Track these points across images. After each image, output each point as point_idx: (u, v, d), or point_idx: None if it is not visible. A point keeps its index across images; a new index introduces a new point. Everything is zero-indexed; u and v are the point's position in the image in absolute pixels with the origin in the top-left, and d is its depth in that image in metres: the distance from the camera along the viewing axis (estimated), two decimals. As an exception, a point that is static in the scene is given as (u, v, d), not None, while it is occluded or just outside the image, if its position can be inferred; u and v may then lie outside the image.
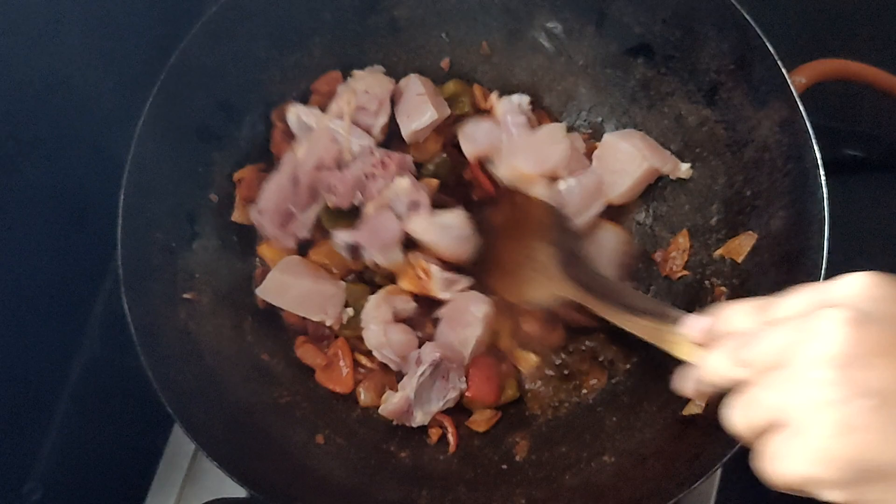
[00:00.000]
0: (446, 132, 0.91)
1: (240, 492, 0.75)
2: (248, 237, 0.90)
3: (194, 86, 0.83)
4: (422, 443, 0.85)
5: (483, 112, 0.92)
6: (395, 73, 0.92)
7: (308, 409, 0.85)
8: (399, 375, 0.86)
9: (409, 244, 0.86)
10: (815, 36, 1.00)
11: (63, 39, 0.85)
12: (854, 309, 0.44)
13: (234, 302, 0.87)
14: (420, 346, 0.84)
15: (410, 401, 0.82)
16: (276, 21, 0.86)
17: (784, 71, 0.73)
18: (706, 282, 0.84)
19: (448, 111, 0.90)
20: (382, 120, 0.89)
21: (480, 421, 0.85)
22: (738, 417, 0.48)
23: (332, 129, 0.87)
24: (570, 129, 0.92)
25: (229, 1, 0.81)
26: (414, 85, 0.89)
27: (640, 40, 0.86)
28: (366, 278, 0.88)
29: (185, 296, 0.84)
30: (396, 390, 0.84)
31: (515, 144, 0.88)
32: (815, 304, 0.46)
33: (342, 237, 0.85)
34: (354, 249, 0.85)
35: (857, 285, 0.45)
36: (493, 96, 0.91)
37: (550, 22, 0.90)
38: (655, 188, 0.89)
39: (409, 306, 0.86)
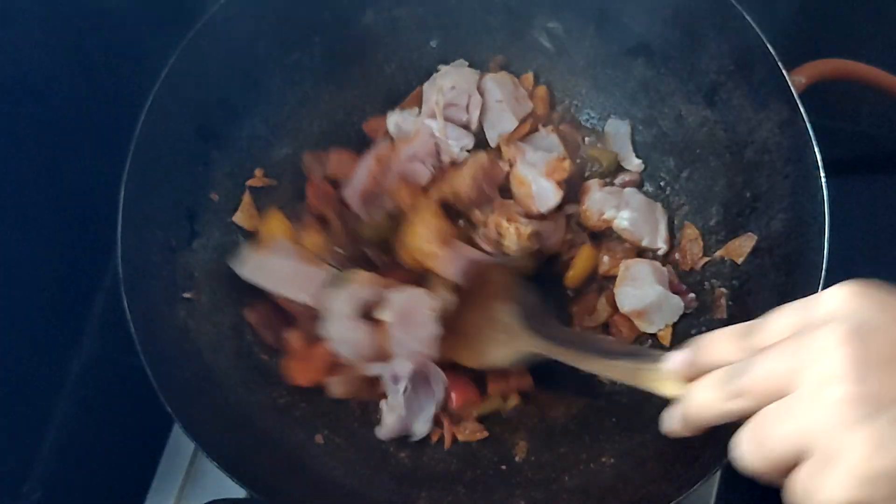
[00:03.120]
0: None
1: (240, 492, 0.75)
2: (248, 236, 0.90)
3: (194, 85, 0.83)
4: (421, 443, 0.85)
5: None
6: (393, 73, 0.92)
7: (307, 409, 0.85)
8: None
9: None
10: (815, 36, 0.99)
11: (63, 38, 0.85)
12: (847, 321, 0.42)
13: (233, 301, 0.87)
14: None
15: (404, 417, 0.82)
16: (276, 21, 0.86)
17: (784, 71, 0.73)
18: (706, 283, 0.84)
19: (530, 106, 0.91)
20: (476, 113, 0.89)
21: (467, 432, 0.85)
22: (754, 455, 0.45)
23: (430, 128, 0.88)
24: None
25: (229, 1, 0.81)
26: (492, 90, 0.90)
27: (640, 40, 0.86)
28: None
29: (185, 295, 0.83)
30: (380, 397, 0.84)
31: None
32: (802, 324, 0.45)
33: None
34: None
35: (842, 297, 0.44)
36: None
37: (551, 22, 0.90)
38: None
39: (376, 293, 0.83)
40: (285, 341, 0.86)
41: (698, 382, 0.50)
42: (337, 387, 0.85)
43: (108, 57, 0.89)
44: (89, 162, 0.87)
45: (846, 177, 0.94)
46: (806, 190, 0.72)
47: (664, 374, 0.55)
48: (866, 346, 0.42)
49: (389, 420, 0.82)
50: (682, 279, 0.86)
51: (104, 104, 0.88)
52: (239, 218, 0.88)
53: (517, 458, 0.83)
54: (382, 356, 0.84)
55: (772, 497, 0.90)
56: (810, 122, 0.72)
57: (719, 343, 0.50)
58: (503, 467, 0.83)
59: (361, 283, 0.84)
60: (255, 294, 0.87)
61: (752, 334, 0.48)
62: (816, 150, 0.71)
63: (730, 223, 0.82)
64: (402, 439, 0.85)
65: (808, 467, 0.43)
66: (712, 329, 0.81)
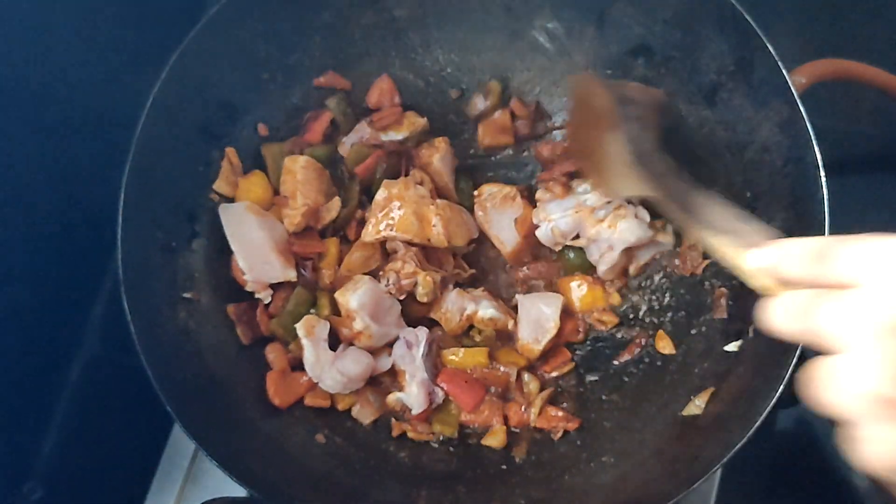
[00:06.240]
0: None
1: (240, 492, 0.75)
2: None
3: (194, 86, 0.83)
4: (421, 443, 0.85)
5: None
6: (394, 73, 0.93)
7: (307, 409, 0.85)
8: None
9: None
10: (815, 36, 0.99)
11: (63, 39, 0.85)
12: None
13: (233, 302, 0.87)
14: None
15: (427, 382, 0.83)
16: (276, 21, 0.86)
17: (784, 71, 0.73)
18: (706, 283, 0.84)
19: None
20: None
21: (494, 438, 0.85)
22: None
23: None
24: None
25: (229, 1, 0.81)
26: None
27: (640, 41, 0.86)
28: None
29: (185, 295, 0.84)
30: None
31: None
32: (872, 267, 0.46)
33: None
34: None
35: None
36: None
37: (551, 22, 0.90)
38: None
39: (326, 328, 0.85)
40: (266, 358, 0.86)
41: (777, 305, 0.52)
42: (364, 415, 0.86)
43: (109, 57, 0.89)
44: (90, 162, 0.87)
45: (846, 177, 0.94)
46: (806, 190, 0.72)
47: (746, 266, 0.57)
48: None
49: (415, 389, 0.83)
50: (683, 279, 0.86)
51: (105, 105, 0.88)
52: (219, 185, 0.88)
53: (517, 458, 0.83)
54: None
55: (772, 497, 0.90)
56: (810, 122, 0.71)
57: (798, 260, 0.52)
58: (503, 467, 0.83)
59: (310, 330, 0.84)
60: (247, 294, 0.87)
61: (826, 260, 0.50)
62: (816, 150, 0.71)
63: (730, 223, 0.82)
64: (402, 438, 0.85)
65: (829, 360, 0.46)
66: (712, 329, 0.82)
